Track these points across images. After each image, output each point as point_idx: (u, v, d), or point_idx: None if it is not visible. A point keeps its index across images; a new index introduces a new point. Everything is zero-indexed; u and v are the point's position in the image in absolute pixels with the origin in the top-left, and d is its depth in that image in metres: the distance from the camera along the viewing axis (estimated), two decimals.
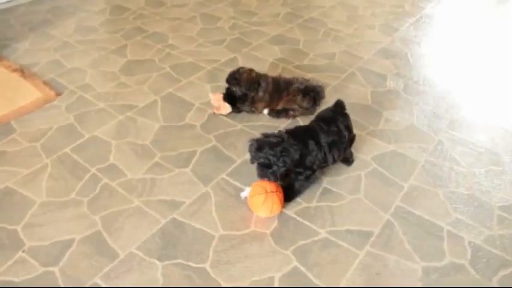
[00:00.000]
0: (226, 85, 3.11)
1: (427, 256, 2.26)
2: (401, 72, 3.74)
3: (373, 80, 3.61)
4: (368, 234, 2.34)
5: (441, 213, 2.49)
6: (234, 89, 3.01)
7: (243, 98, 3.03)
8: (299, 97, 3.01)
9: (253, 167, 2.62)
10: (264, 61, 3.75)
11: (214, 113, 3.10)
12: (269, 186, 2.34)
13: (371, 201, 2.52)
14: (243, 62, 3.69)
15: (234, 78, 3.02)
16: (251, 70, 3.03)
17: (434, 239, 2.35)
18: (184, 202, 2.46)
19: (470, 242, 2.35)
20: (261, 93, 3.02)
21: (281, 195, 2.36)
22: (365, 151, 2.88)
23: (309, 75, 3.55)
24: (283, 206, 2.42)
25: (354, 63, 3.82)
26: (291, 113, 3.07)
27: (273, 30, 4.26)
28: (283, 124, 3.06)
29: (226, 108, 3.05)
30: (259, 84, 3.01)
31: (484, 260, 2.27)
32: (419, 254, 2.27)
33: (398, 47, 4.13)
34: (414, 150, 2.92)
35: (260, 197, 2.31)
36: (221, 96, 3.08)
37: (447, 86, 3.61)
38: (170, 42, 4.01)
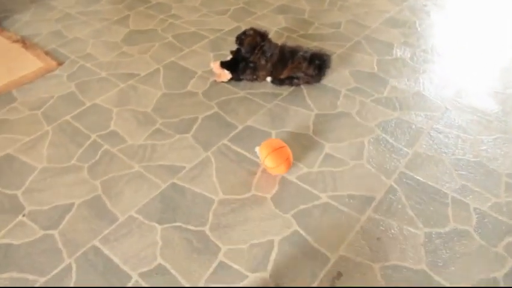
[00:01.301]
0: (229, 53, 3.11)
1: (430, 221, 2.24)
2: (408, 41, 3.69)
3: (379, 48, 3.57)
4: (370, 200, 2.33)
5: (447, 180, 2.47)
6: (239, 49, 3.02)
7: (245, 64, 3.02)
8: (304, 64, 2.99)
9: (255, 134, 2.66)
10: (268, 30, 3.69)
11: (215, 81, 3.09)
12: (276, 142, 2.41)
13: (373, 167, 2.51)
14: None
15: (239, 38, 3.04)
16: (256, 34, 3.02)
17: (439, 205, 2.33)
18: (184, 167, 2.47)
19: (475, 209, 2.32)
20: (263, 61, 3.00)
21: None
22: (368, 118, 2.85)
23: (313, 44, 3.52)
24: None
25: (360, 32, 3.78)
26: (296, 81, 3.05)
27: (277, 0, 4.22)
28: (286, 92, 3.04)
29: (226, 75, 3.04)
30: (263, 52, 2.99)
31: (490, 226, 2.25)
32: (422, 219, 2.25)
33: (406, 16, 4.07)
34: (420, 117, 2.89)
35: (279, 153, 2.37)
36: (218, 63, 3.07)
37: (456, 54, 3.55)
38: (173, 12, 3.99)
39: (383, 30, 3.82)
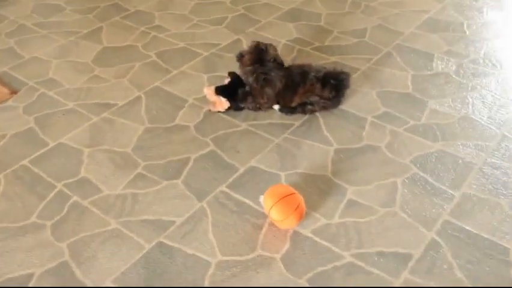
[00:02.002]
0: (226, 75, 3.24)
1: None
2: (453, 50, 3.79)
3: (415, 61, 3.67)
4: (406, 258, 2.39)
5: (507, 231, 2.51)
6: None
7: (245, 89, 3.14)
8: (318, 86, 3.10)
9: (260, 177, 2.76)
10: (275, 43, 3.76)
11: (210, 111, 3.21)
12: (283, 189, 2.50)
13: (410, 216, 2.58)
14: (247, 45, 3.77)
15: (240, 54, 3.19)
16: (256, 50, 3.18)
17: (496, 264, 2.37)
18: (173, 222, 2.55)
19: None
20: (264, 87, 3.12)
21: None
22: (402, 152, 2.94)
23: (331, 60, 3.65)
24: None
25: (390, 40, 3.90)
26: (309, 107, 3.16)
27: (286, 3, 4.36)
28: (297, 121, 3.15)
29: (222, 103, 3.15)
30: (263, 74, 3.12)
31: None
32: (474, 283, 2.29)
33: (451, 16, 4.18)
34: (468, 149, 2.96)
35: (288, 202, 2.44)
36: (213, 89, 3.19)
37: None
38: (156, 22, 4.15)
39: (420, 37, 3.93)
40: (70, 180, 2.78)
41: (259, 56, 3.19)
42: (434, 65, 3.65)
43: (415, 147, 2.98)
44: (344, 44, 3.87)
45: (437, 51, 3.78)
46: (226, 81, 3.25)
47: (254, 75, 3.13)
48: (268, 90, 3.12)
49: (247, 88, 3.13)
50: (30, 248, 2.45)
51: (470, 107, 3.27)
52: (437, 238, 2.48)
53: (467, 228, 2.53)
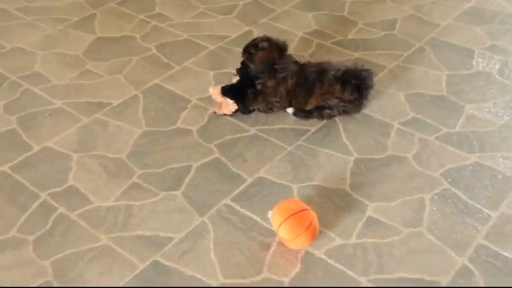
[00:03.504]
0: (235, 73, 3.32)
1: None
2: (498, 45, 3.83)
3: (452, 58, 3.72)
4: (433, 286, 2.44)
5: None
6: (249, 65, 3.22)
7: (255, 90, 3.22)
8: (337, 87, 3.16)
9: (270, 189, 2.83)
10: (291, 36, 3.91)
11: (215, 113, 3.29)
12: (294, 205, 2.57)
13: (438, 238, 2.63)
14: None
15: (248, 50, 3.23)
16: (273, 47, 3.21)
17: None
18: (171, 238, 2.62)
19: None
20: (270, 83, 3.20)
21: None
22: (432, 164, 3.00)
23: (355, 56, 3.71)
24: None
25: (424, 33, 3.95)
26: (327, 111, 3.23)
27: None
28: (313, 127, 3.23)
29: (229, 105, 3.24)
30: (276, 71, 3.19)
31: None
32: None
33: (497, 5, 4.20)
34: (510, 162, 3.01)
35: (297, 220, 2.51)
36: (219, 89, 3.26)
37: None
38: (157, 10, 4.24)
39: (459, 29, 3.98)
40: (56, 190, 2.86)
41: (275, 53, 3.22)
42: (474, 63, 3.69)
43: (447, 158, 3.02)
44: (370, 37, 3.93)
45: (478, 46, 3.82)
46: (235, 79, 3.32)
47: (269, 70, 3.18)
48: (281, 88, 3.20)
49: (258, 87, 3.20)
50: (9, 266, 2.50)
51: None
52: (468, 264, 2.52)
53: (504, 254, 2.56)
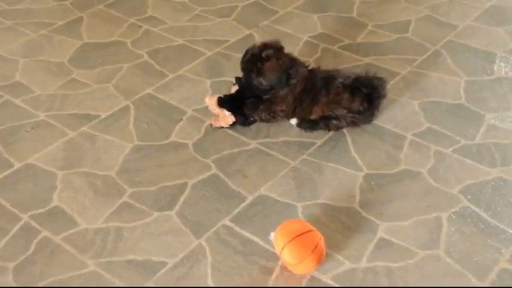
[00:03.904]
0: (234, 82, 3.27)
1: None
2: None
3: (471, 62, 3.67)
4: None
5: None
6: (256, 81, 3.12)
7: (255, 100, 3.16)
8: (345, 96, 3.10)
9: (272, 209, 2.77)
10: (295, 40, 3.88)
11: (211, 125, 3.24)
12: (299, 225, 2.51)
13: (457, 261, 2.57)
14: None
15: (250, 66, 3.11)
16: (280, 52, 3.14)
17: None
18: (165, 263, 2.56)
19: None
20: (283, 92, 3.13)
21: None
22: (449, 180, 2.94)
23: (365, 61, 3.66)
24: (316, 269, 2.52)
25: (440, 36, 3.90)
26: (334, 122, 3.16)
27: None
28: (319, 139, 3.16)
29: (226, 118, 3.18)
30: (290, 77, 3.11)
31: None
32: None
33: None
34: None
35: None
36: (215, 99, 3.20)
37: None
38: (149, 13, 4.20)
39: (479, 31, 3.93)
40: (39, 211, 2.80)
41: (285, 58, 3.14)
42: (495, 67, 3.64)
43: (466, 173, 2.97)
44: (381, 41, 3.89)
45: (500, 49, 3.78)
46: (233, 89, 3.28)
47: (284, 78, 3.10)
48: (289, 95, 3.14)
49: (267, 96, 3.14)
50: None
51: None
52: None
53: None
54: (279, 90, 3.13)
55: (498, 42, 3.85)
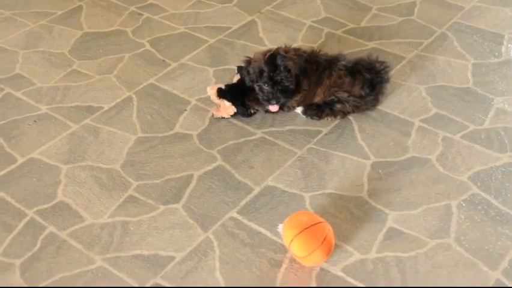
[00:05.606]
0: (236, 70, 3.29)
1: None
2: None
3: (478, 44, 3.67)
4: None
5: None
6: (281, 77, 3.06)
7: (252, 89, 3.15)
8: (347, 80, 3.11)
9: (280, 200, 2.78)
10: (299, 25, 3.89)
11: (212, 115, 3.25)
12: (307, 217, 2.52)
13: (467, 250, 2.58)
14: (264, 29, 3.82)
15: (271, 63, 3.05)
16: (296, 50, 3.19)
17: None
18: (172, 258, 2.57)
19: None
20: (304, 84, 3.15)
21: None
22: (459, 166, 2.95)
23: (369, 45, 3.66)
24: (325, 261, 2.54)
25: (446, 18, 3.90)
26: (338, 106, 3.17)
27: None
28: (325, 127, 3.17)
29: (226, 108, 3.18)
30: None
31: None
32: None
33: None
34: None
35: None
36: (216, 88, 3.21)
37: None
38: (150, 1, 4.19)
39: (486, 12, 3.92)
40: (44, 206, 2.81)
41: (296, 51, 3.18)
42: (503, 49, 3.64)
43: (476, 159, 2.98)
44: (386, 24, 3.89)
45: (508, 30, 3.78)
46: (235, 78, 3.29)
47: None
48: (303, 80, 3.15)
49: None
50: None
51: None
52: (503, 279, 2.47)
53: None
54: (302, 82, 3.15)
55: (506, 23, 3.85)
